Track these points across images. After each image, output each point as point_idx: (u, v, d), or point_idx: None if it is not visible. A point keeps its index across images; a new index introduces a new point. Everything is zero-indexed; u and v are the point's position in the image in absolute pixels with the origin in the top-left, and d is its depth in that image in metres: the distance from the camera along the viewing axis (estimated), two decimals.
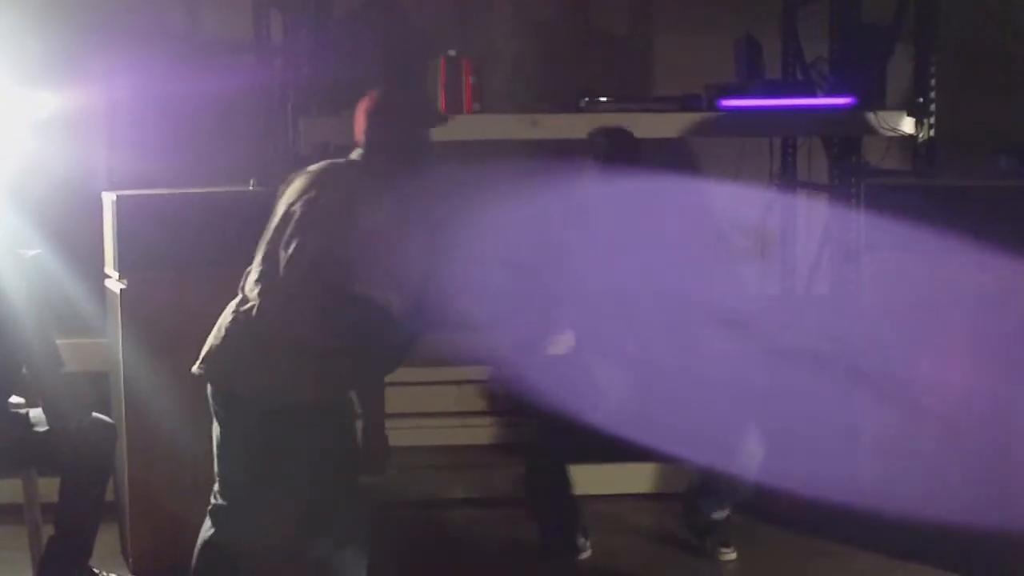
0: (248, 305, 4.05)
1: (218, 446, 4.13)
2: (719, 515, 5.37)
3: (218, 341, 4.09)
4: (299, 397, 3.97)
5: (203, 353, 4.12)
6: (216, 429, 4.14)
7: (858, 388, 5.62)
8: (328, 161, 4.23)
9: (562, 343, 5.60)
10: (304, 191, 4.07)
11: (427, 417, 6.52)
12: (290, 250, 3.97)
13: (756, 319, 6.12)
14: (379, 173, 4.07)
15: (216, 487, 4.17)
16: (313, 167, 4.18)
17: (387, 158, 4.12)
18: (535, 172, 5.12)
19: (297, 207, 4.03)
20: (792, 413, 5.66)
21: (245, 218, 4.59)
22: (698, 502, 5.39)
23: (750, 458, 5.18)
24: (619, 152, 5.30)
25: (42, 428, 4.61)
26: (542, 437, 5.21)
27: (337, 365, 3.97)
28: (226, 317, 4.12)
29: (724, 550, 5.36)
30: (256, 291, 4.05)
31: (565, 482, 5.26)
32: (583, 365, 5.16)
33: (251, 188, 5.21)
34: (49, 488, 4.75)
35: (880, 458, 5.54)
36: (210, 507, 4.18)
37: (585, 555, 5.31)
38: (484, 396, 6.43)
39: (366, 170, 4.10)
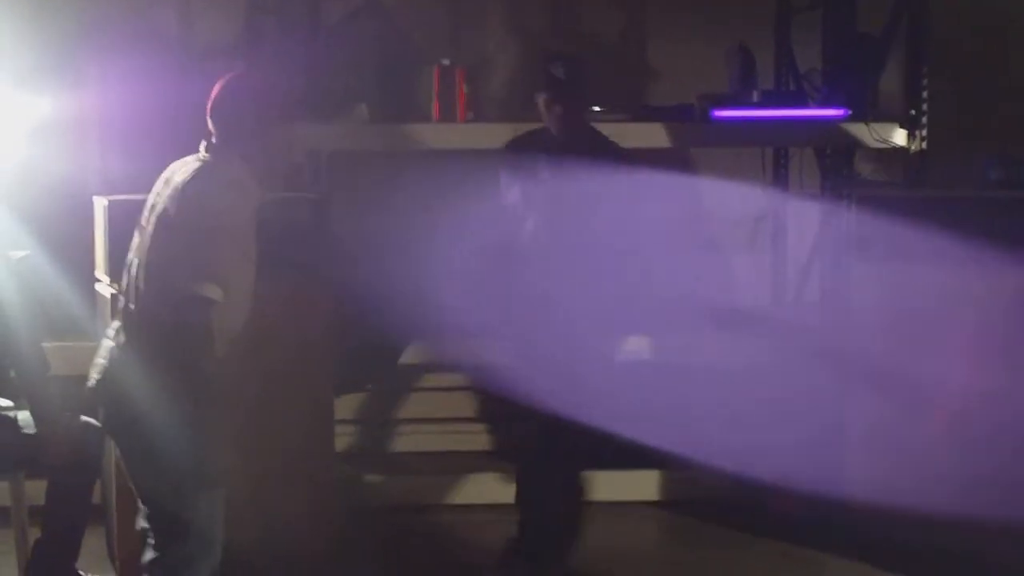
0: (117, 325, 4.02)
1: (127, 472, 4.07)
2: None
3: (100, 362, 4.03)
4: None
5: (89, 379, 4.05)
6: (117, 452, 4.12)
7: (849, 390, 5.64)
8: (179, 161, 4.05)
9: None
10: (154, 201, 4.00)
11: (417, 423, 6.55)
12: (142, 260, 3.93)
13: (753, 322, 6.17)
14: (222, 169, 3.93)
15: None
16: (168, 169, 4.05)
17: (233, 152, 3.96)
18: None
19: (145, 218, 4.00)
20: (784, 411, 5.70)
21: None
22: None
23: None
24: (573, 83, 5.14)
25: (30, 431, 4.61)
26: (540, 440, 5.17)
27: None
28: (104, 340, 4.07)
29: None
30: (120, 307, 4.03)
31: (562, 488, 5.22)
32: (572, 365, 5.13)
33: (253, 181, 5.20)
34: (36, 491, 4.74)
35: (870, 457, 5.56)
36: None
37: None
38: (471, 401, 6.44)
39: (212, 167, 3.94)
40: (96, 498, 4.87)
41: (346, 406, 6.01)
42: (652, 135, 6.06)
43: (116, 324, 4.04)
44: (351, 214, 5.92)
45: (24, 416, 4.64)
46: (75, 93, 6.19)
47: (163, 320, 3.81)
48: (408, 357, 6.01)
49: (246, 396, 4.66)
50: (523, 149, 5.15)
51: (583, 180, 4.92)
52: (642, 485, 6.10)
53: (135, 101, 6.30)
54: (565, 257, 4.92)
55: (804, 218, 6.86)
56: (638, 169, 5.11)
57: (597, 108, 6.10)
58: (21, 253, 4.82)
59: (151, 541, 3.98)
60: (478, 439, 6.43)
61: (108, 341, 4.04)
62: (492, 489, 6.02)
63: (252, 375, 4.67)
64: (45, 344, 4.72)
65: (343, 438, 5.78)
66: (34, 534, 4.72)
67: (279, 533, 5.10)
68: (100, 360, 4.04)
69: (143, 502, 4.03)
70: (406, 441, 6.53)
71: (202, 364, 3.81)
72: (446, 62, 6.15)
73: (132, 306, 3.95)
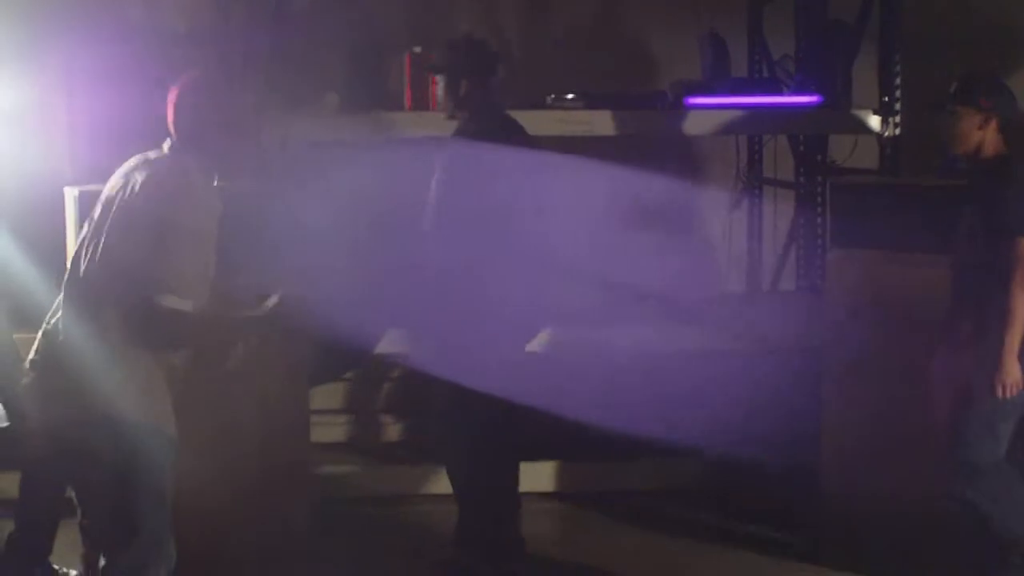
0: (55, 319, 3.91)
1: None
2: None
3: (34, 358, 3.94)
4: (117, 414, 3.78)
5: (24, 376, 3.96)
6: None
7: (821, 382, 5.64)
8: (140, 156, 3.96)
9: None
10: (110, 194, 3.90)
11: (392, 412, 6.53)
12: (92, 254, 3.83)
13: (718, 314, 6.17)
14: (185, 171, 3.86)
15: None
16: (126, 164, 3.96)
17: (195, 155, 3.90)
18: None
19: (99, 211, 3.90)
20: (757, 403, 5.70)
21: None
22: None
23: None
24: (479, 65, 5.15)
25: (1, 425, 4.56)
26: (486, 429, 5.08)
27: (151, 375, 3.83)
28: (40, 337, 3.96)
29: None
30: (59, 300, 3.94)
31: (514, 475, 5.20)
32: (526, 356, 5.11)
33: (214, 184, 5.16)
34: (10, 484, 4.70)
35: (844, 451, 5.56)
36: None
37: None
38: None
39: (173, 167, 3.88)
40: (69, 491, 4.83)
41: (321, 396, 5.98)
42: (627, 123, 6.03)
43: (54, 319, 3.95)
44: (319, 204, 5.87)
45: None
46: (42, 83, 6.13)
47: (133, 326, 3.75)
48: (382, 347, 5.97)
49: (217, 389, 4.65)
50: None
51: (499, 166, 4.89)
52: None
53: (103, 90, 6.25)
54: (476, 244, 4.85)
55: (778, 205, 6.89)
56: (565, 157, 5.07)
57: (570, 95, 6.07)
58: None
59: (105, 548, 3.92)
60: None
61: (43, 338, 3.94)
62: None
63: (223, 367, 4.65)
64: (16, 336, 4.66)
65: (318, 428, 5.74)
66: (7, 527, 4.68)
67: (253, 525, 5.07)
68: (33, 356, 3.94)
69: (90, 505, 3.95)
70: (382, 430, 6.51)
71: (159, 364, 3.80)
72: (417, 50, 6.10)
73: (75, 295, 3.86)
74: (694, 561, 5.42)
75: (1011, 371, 4.63)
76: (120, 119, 6.08)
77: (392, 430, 6.55)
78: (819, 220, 6.45)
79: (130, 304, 3.72)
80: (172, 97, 3.95)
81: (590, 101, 6.10)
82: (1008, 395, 4.64)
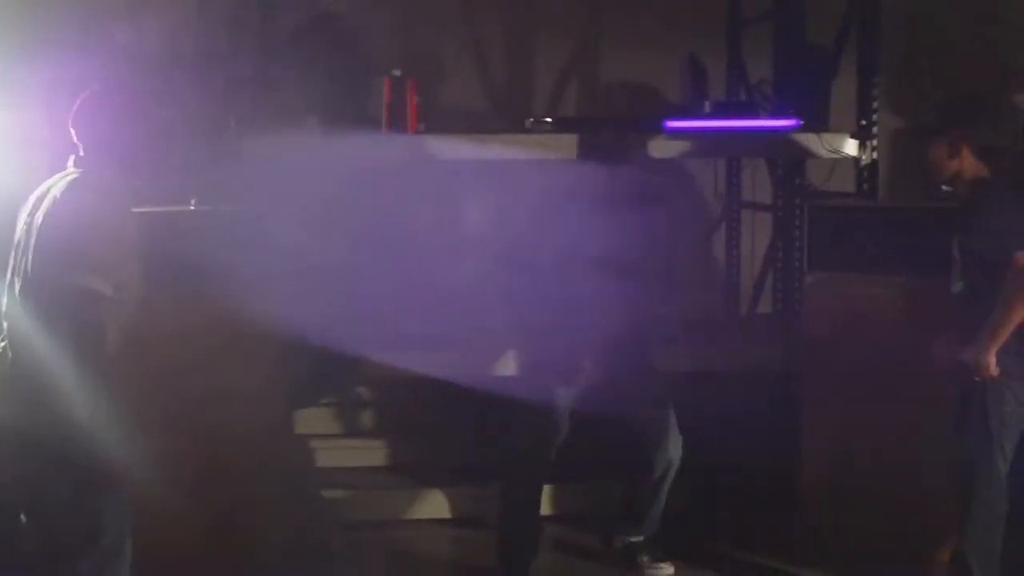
0: (2, 344, 3.98)
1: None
2: (636, 539, 5.40)
3: None
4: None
5: None
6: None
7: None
8: (49, 179, 4.10)
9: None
10: (26, 215, 4.03)
11: (373, 436, 6.52)
12: (26, 271, 3.93)
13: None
14: (91, 177, 4.00)
15: None
16: (39, 188, 4.10)
17: (99, 157, 4.04)
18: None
19: (22, 234, 4.02)
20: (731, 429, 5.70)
21: (186, 238, 4.57)
22: (617, 527, 5.44)
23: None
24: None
25: None
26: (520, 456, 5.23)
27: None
28: None
29: (659, 565, 5.37)
30: (3, 327, 4.00)
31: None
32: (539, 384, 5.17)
33: (192, 207, 5.18)
34: None
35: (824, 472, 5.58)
36: None
37: None
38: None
39: (81, 177, 4.01)
40: None
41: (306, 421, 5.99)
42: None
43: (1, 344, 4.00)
44: (297, 225, 5.88)
45: None
46: (23, 101, 6.13)
47: (57, 322, 3.81)
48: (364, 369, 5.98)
49: (197, 415, 4.65)
50: None
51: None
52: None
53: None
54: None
55: (756, 229, 6.90)
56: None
57: (550, 119, 6.10)
58: None
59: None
60: (438, 452, 6.38)
61: None
62: (452, 504, 6.04)
63: (200, 392, 4.66)
64: None
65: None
66: None
67: (237, 551, 5.06)
68: None
69: (48, 519, 3.96)
70: (363, 455, 6.49)
71: (97, 359, 3.82)
72: (397, 73, 6.11)
73: (18, 314, 3.92)
74: None
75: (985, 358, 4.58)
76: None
77: (378, 455, 6.52)
78: (797, 243, 6.47)
79: (61, 290, 3.80)
80: (81, 106, 4.09)
81: (570, 125, 6.12)
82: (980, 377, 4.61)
